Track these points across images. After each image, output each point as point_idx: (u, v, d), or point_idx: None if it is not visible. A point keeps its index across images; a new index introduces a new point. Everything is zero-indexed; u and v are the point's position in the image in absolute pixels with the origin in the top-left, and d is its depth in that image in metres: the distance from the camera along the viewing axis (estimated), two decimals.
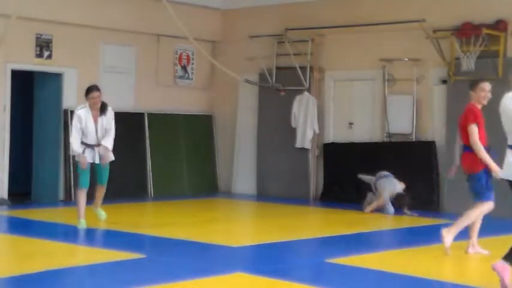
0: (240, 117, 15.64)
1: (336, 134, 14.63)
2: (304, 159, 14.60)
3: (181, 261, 8.24)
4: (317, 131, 14.55)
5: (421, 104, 13.57)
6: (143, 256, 8.31)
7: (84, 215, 10.49)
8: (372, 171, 13.90)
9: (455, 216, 12.33)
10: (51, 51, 13.57)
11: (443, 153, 13.18)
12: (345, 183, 14.18)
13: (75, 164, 10.91)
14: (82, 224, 10.40)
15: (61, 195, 13.69)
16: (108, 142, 10.77)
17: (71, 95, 13.84)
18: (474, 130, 8.75)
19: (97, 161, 10.70)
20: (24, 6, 12.62)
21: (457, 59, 12.87)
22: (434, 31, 13.00)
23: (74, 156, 10.96)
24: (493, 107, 12.61)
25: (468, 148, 8.81)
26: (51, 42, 13.57)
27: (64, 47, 13.69)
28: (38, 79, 14.05)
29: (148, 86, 15.07)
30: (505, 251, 9.50)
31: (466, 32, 12.62)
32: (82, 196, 10.60)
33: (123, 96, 14.65)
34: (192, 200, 14.21)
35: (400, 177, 13.58)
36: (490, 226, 11.59)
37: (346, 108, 14.51)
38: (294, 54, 14.56)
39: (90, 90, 10.61)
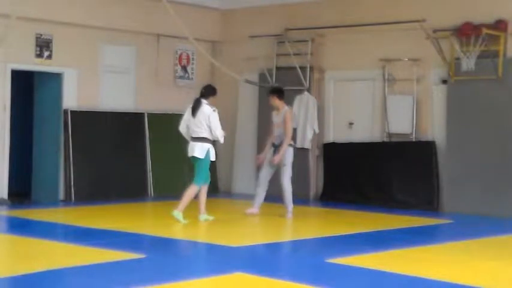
0: (240, 117, 15.65)
1: (336, 134, 14.64)
2: (304, 159, 14.60)
3: (181, 261, 8.24)
4: (317, 131, 14.56)
5: (421, 104, 13.57)
6: (143, 256, 8.31)
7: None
8: (372, 171, 13.92)
9: (455, 216, 12.41)
10: (51, 51, 13.57)
11: (443, 153, 13.19)
12: (345, 183, 14.19)
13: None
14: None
15: (61, 195, 13.69)
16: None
17: (71, 95, 13.85)
18: None
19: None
20: (24, 6, 12.61)
21: (457, 59, 12.87)
22: (434, 31, 13.00)
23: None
24: (493, 106, 12.68)
25: None
26: (51, 42, 13.57)
27: (64, 47, 13.69)
28: (38, 79, 14.05)
29: (148, 86, 15.07)
30: (505, 251, 9.52)
31: (466, 32, 12.62)
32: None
33: (123, 96, 14.66)
34: (192, 200, 14.20)
35: (400, 177, 13.61)
36: (490, 226, 11.63)
37: (346, 108, 14.51)
38: (294, 54, 14.57)
39: None
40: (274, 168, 11.97)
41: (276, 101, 11.97)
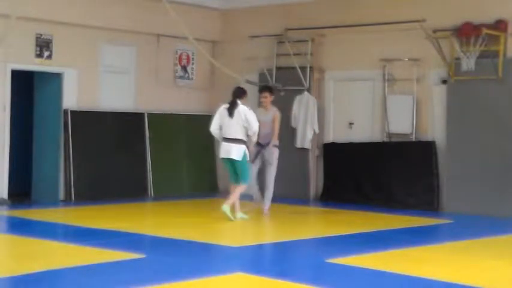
0: None
1: (336, 134, 14.64)
2: (304, 159, 14.60)
3: (181, 261, 8.24)
4: (317, 131, 14.55)
5: (421, 104, 13.57)
6: (143, 256, 8.32)
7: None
8: (372, 171, 13.92)
9: (455, 216, 12.41)
10: (51, 51, 13.57)
11: (443, 153, 13.19)
12: (345, 183, 14.19)
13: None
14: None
15: (61, 195, 13.68)
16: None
17: (71, 95, 13.85)
18: None
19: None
20: (24, 6, 12.61)
21: (457, 59, 12.87)
22: (434, 31, 13.00)
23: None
24: (493, 106, 12.68)
25: None
26: (51, 42, 13.57)
27: (64, 47, 13.69)
28: (38, 79, 14.05)
29: (148, 86, 15.07)
30: (505, 251, 9.52)
31: (466, 32, 12.63)
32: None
33: (123, 96, 14.67)
34: (192, 200, 14.21)
35: (400, 177, 13.60)
36: (490, 226, 11.63)
37: (346, 108, 14.51)
38: (294, 54, 14.57)
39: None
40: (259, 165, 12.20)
41: (269, 99, 12.13)
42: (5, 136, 13.14)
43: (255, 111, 12.20)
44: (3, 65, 13.10)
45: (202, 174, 15.53)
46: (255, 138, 11.49)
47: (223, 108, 11.43)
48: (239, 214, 11.43)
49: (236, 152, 11.25)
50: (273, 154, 12.08)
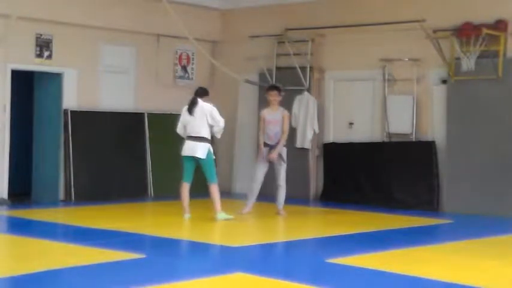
0: (240, 117, 15.65)
1: (336, 134, 14.64)
2: (304, 159, 14.61)
3: (181, 261, 8.24)
4: (317, 131, 14.56)
5: (421, 104, 13.58)
6: (143, 256, 8.31)
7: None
8: (372, 171, 13.92)
9: (455, 216, 12.41)
10: (51, 51, 13.57)
11: (443, 153, 13.19)
12: (345, 183, 14.19)
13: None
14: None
15: (61, 195, 13.69)
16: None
17: (71, 95, 13.85)
18: None
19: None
20: (24, 6, 12.63)
21: (457, 59, 12.87)
22: (434, 31, 13.00)
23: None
24: (493, 106, 12.68)
25: None
26: (51, 42, 13.57)
27: (64, 47, 13.70)
28: (38, 79, 14.06)
29: (148, 86, 15.07)
30: (505, 250, 9.52)
31: (466, 32, 12.63)
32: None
33: (123, 96, 14.67)
34: (192, 200, 14.17)
35: (400, 177, 13.60)
36: (490, 226, 11.64)
37: (346, 108, 14.52)
38: (294, 54, 14.57)
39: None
40: (267, 167, 12.07)
41: (277, 98, 12.03)
42: (5, 136, 13.14)
43: (261, 111, 12.19)
44: (3, 65, 13.10)
45: (202, 174, 15.48)
46: (219, 135, 11.49)
47: (185, 108, 11.43)
48: (221, 215, 11.31)
49: (201, 150, 11.21)
50: (283, 153, 12.03)
